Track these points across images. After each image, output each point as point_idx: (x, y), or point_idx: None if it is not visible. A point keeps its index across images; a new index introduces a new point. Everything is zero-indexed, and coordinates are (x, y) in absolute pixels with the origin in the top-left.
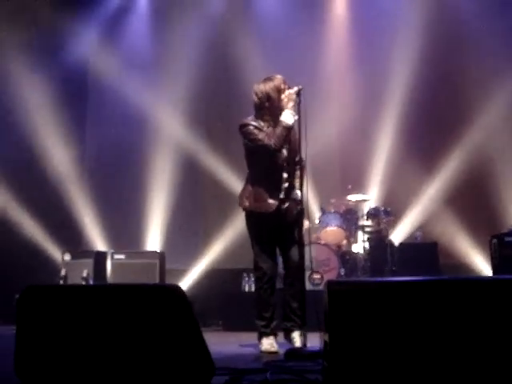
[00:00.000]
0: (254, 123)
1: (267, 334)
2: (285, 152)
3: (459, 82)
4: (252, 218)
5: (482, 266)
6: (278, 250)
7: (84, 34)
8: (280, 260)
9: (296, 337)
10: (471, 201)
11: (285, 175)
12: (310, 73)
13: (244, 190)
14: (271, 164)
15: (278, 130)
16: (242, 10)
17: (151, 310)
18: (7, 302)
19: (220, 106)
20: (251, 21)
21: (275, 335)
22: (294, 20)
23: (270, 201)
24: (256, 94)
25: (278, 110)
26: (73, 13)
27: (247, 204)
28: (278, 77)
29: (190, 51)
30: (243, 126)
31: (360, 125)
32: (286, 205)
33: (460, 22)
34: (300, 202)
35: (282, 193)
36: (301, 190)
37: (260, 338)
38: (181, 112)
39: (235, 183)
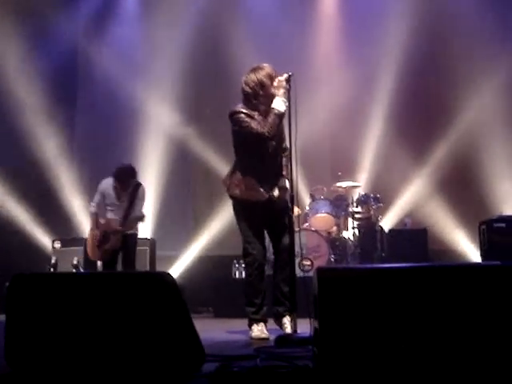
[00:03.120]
0: (245, 111)
1: (257, 321)
2: (274, 139)
3: (448, 70)
4: (242, 206)
5: (471, 251)
6: (266, 237)
7: (73, 23)
8: (270, 246)
9: (287, 322)
10: (461, 187)
11: (274, 162)
12: (300, 60)
13: (232, 177)
14: (261, 152)
15: (271, 118)
16: None
17: (141, 297)
18: None
19: (209, 93)
20: (241, 8)
21: (265, 321)
22: (283, 7)
23: (262, 189)
24: (248, 84)
25: (270, 97)
26: (62, 2)
27: (238, 192)
28: (266, 65)
29: (180, 39)
30: (234, 114)
31: (350, 112)
32: (276, 192)
33: (449, 9)
34: (289, 189)
35: (272, 181)
36: (289, 177)
37: (250, 325)
38: (170, 99)
39: (225, 170)
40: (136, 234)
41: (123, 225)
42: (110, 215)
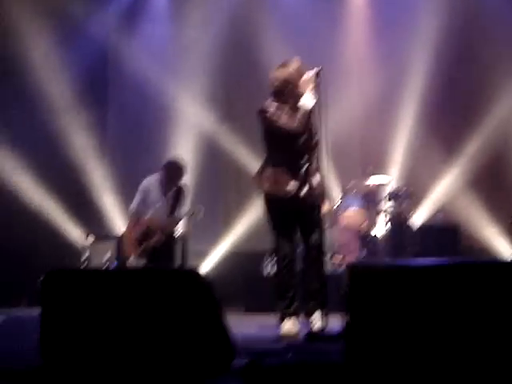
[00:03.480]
0: (274, 107)
1: (288, 316)
2: (304, 135)
3: (481, 63)
4: (271, 201)
5: (504, 248)
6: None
7: (104, 20)
8: (300, 241)
9: (316, 318)
10: (494, 182)
11: (304, 158)
12: (330, 54)
13: (262, 172)
14: (291, 147)
15: (300, 114)
16: None
17: (172, 293)
18: (32, 283)
19: (240, 88)
20: (270, 4)
21: (296, 317)
22: (314, 3)
23: (291, 184)
24: (277, 79)
25: (299, 93)
26: (93, 0)
27: (267, 187)
28: (296, 60)
29: (210, 34)
30: (264, 110)
31: (380, 106)
32: (306, 188)
33: (481, 2)
34: (319, 184)
35: (302, 176)
36: (320, 172)
37: (281, 320)
38: (201, 95)
39: (255, 165)
40: (175, 231)
41: (171, 222)
42: (151, 213)
